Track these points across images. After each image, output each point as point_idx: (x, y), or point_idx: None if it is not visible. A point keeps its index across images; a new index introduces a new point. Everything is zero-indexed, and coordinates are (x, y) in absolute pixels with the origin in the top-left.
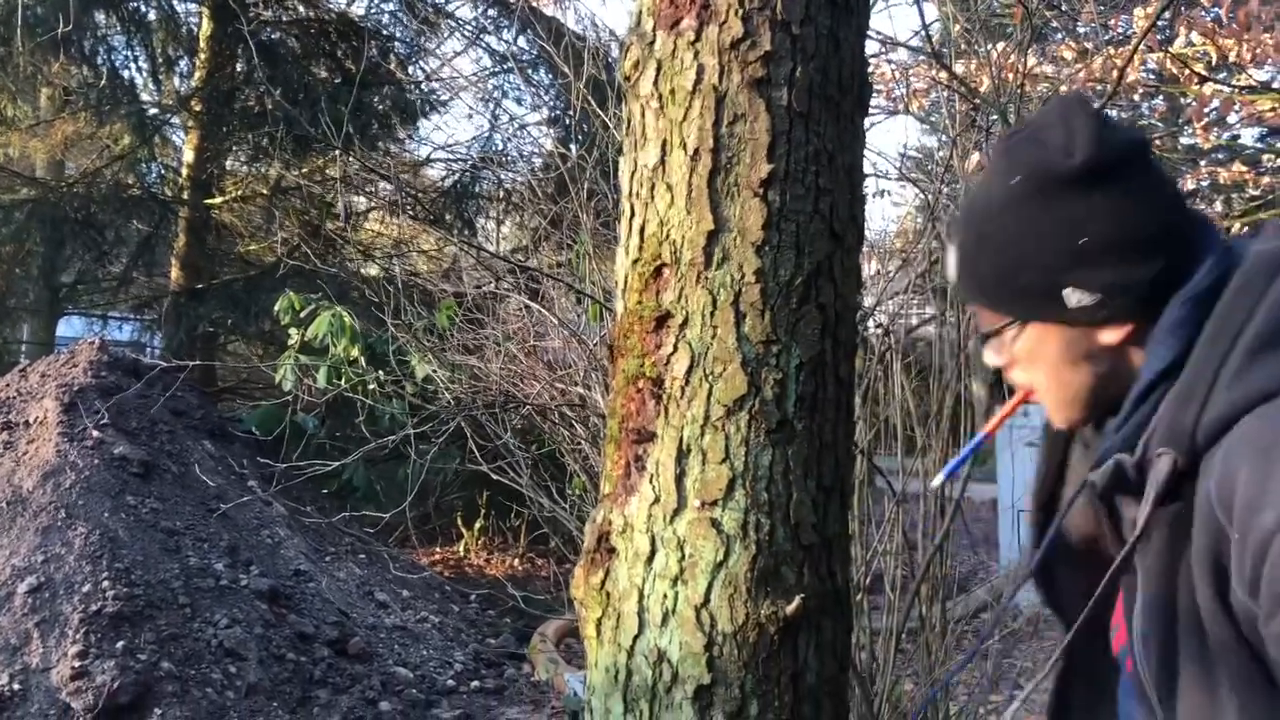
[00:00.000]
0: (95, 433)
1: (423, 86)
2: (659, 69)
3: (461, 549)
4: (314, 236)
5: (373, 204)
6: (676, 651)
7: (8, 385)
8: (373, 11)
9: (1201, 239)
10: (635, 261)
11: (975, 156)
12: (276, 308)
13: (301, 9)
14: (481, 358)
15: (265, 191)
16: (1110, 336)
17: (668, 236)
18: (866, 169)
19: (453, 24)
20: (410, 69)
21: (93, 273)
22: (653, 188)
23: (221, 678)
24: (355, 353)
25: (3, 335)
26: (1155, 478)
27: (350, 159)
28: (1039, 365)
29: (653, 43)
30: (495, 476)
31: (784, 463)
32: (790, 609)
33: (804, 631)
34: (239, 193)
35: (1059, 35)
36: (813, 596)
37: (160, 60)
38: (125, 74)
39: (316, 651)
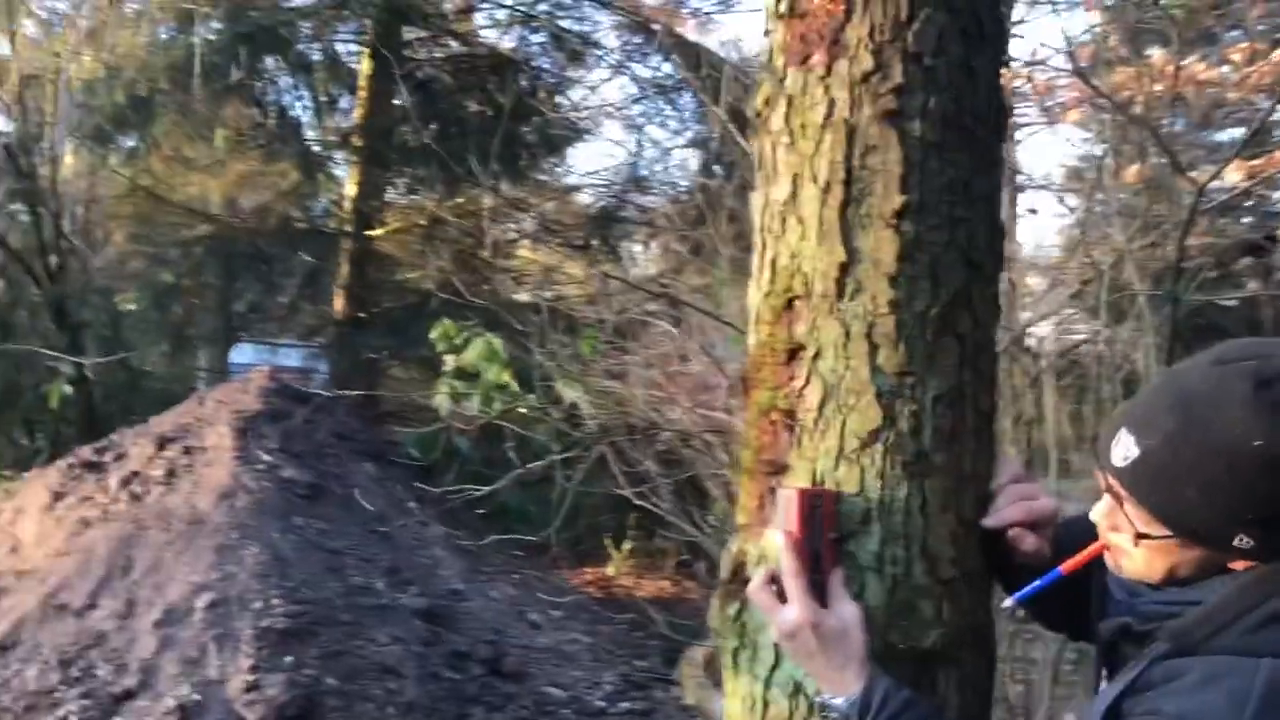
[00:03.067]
0: (265, 457)
1: (570, 116)
2: (790, 104)
3: (611, 570)
4: (467, 265)
5: (520, 233)
6: (813, 684)
7: (186, 412)
8: (522, 45)
9: None
10: (767, 295)
11: (1133, 168)
12: (432, 335)
13: (454, 45)
14: (625, 383)
15: (422, 222)
16: (1238, 564)
17: (799, 269)
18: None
19: (598, 53)
20: (558, 99)
21: (263, 303)
22: (784, 221)
23: (382, 694)
24: (506, 378)
25: (183, 363)
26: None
27: (499, 190)
28: (1145, 546)
29: (783, 79)
30: (637, 501)
31: (921, 496)
32: (927, 643)
33: (943, 666)
34: (398, 224)
35: (1230, 33)
36: (951, 631)
37: (323, 100)
38: (291, 114)
39: (471, 670)
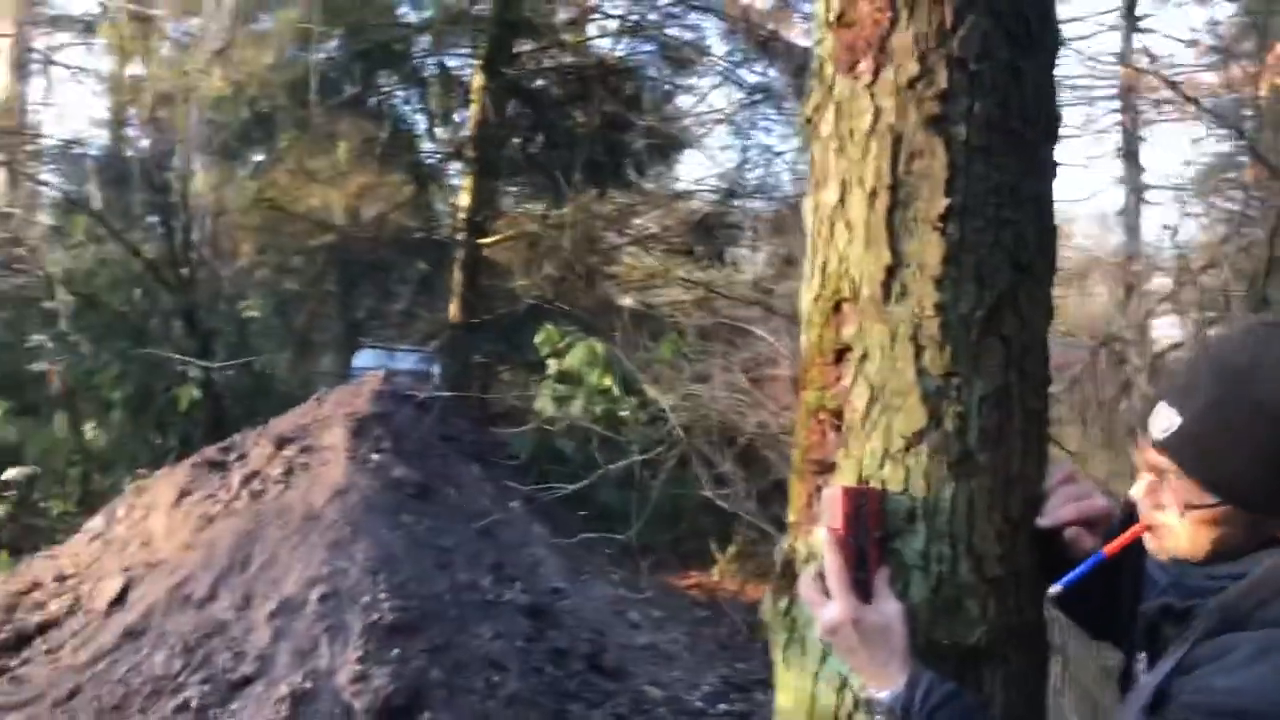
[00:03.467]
0: (376, 456)
1: (676, 123)
2: (838, 111)
3: (716, 573)
4: (574, 272)
5: (627, 239)
6: (858, 679)
7: (305, 414)
8: (630, 54)
9: None
10: (816, 297)
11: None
12: (537, 339)
13: (564, 56)
14: (711, 386)
15: (530, 230)
16: None
17: (847, 273)
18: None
19: (706, 61)
20: (665, 107)
21: (381, 309)
22: (833, 226)
23: (484, 687)
24: (607, 382)
25: (306, 367)
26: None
27: (605, 198)
28: (1188, 520)
29: (832, 86)
30: (719, 503)
31: (966, 495)
32: (971, 640)
33: (988, 664)
34: (508, 232)
35: None
36: (997, 629)
37: (437, 113)
38: (405, 128)
39: (572, 666)
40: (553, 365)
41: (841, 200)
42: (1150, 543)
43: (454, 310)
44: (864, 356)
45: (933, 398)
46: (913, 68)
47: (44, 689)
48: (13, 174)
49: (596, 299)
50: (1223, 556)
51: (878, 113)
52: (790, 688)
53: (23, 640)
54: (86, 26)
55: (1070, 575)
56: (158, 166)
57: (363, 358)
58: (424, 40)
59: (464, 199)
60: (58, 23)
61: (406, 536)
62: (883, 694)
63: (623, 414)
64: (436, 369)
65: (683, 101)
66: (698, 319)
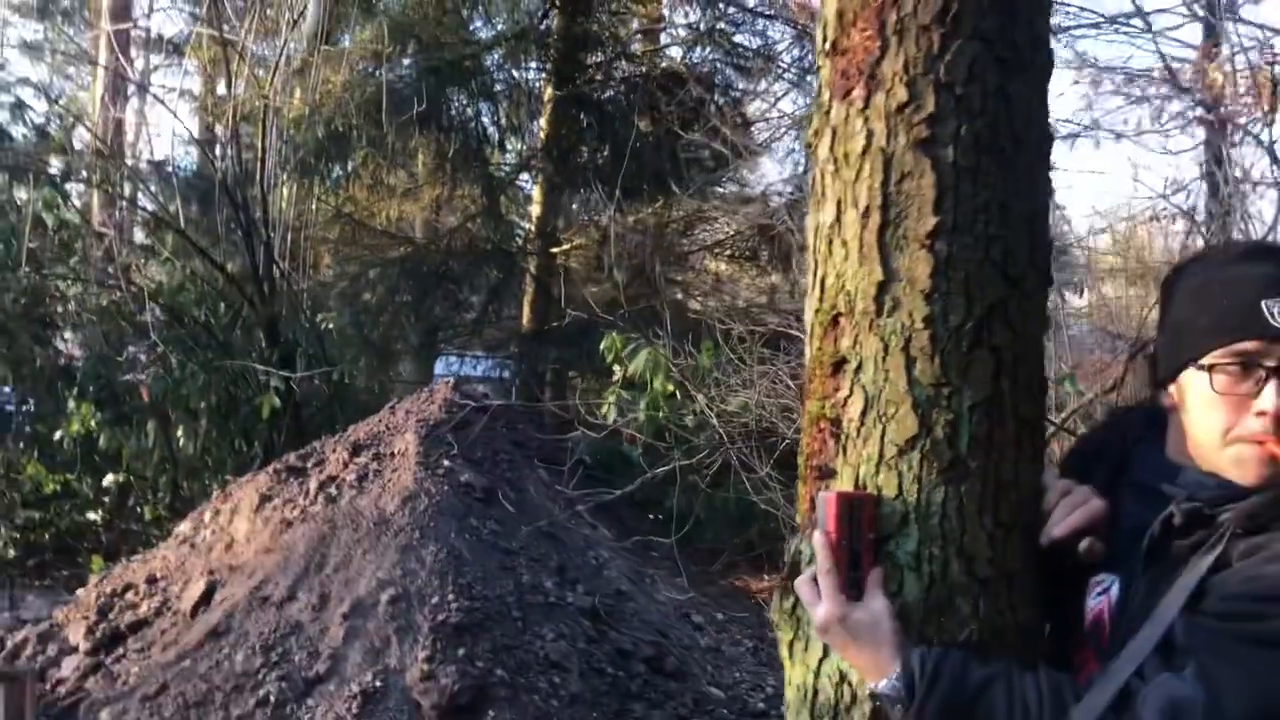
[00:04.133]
0: (446, 462)
1: (746, 130)
2: (834, 135)
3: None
4: (642, 278)
5: (696, 246)
6: (856, 674)
7: (379, 421)
8: (699, 62)
9: None
10: (817, 311)
11: None
12: (602, 346)
13: (632, 66)
14: (756, 391)
15: (600, 239)
16: None
17: (843, 288)
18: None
19: (776, 68)
20: (734, 114)
21: (457, 318)
22: (830, 243)
23: (547, 687)
24: (671, 388)
25: (386, 375)
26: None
27: (673, 206)
28: None
29: (829, 111)
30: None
31: (957, 500)
32: (961, 637)
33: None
34: (578, 241)
35: None
36: (988, 628)
37: (507, 126)
38: (476, 141)
39: (634, 667)
40: (617, 372)
41: (838, 219)
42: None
43: (525, 318)
44: (859, 368)
45: (924, 406)
46: (902, 93)
47: (135, 685)
48: (107, 195)
49: (664, 306)
50: None
51: (870, 136)
52: (795, 683)
53: (116, 639)
54: (176, 48)
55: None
56: (240, 184)
57: (442, 365)
58: (494, 55)
59: (535, 209)
60: (150, 45)
61: (473, 540)
62: (880, 684)
63: (686, 420)
64: (508, 376)
65: (751, 109)
66: (747, 325)
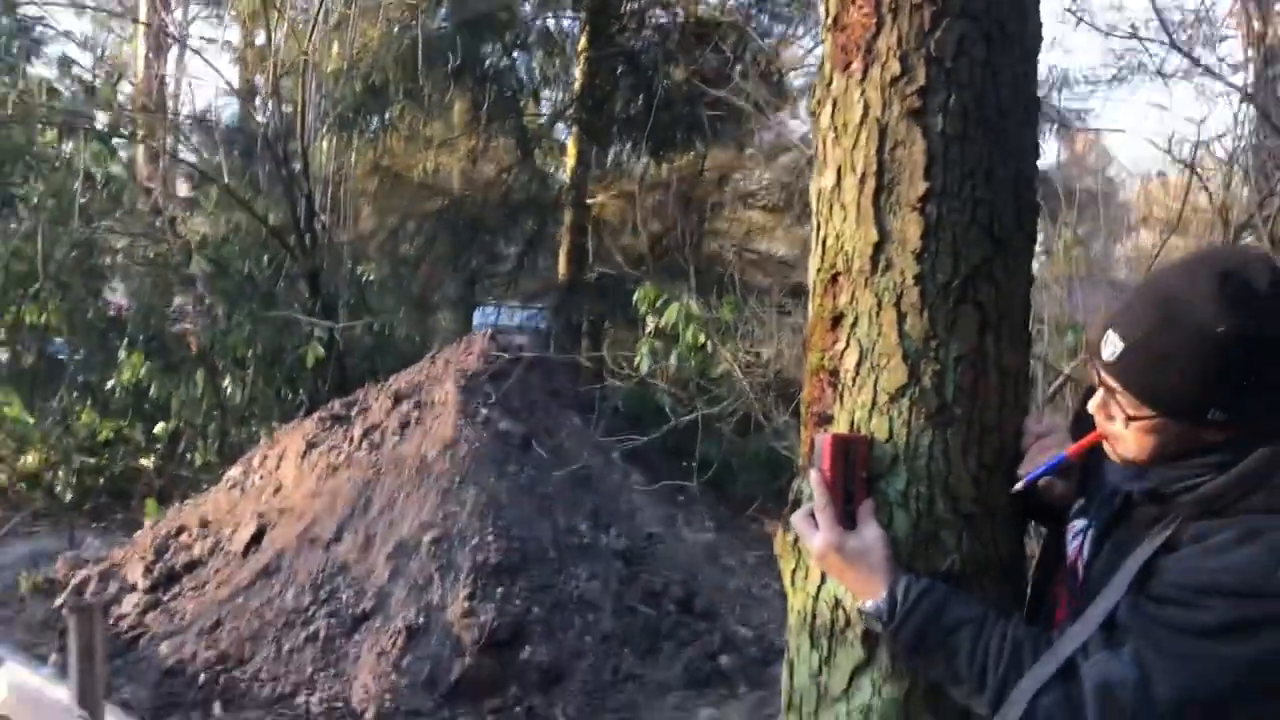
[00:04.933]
0: (484, 411)
1: (781, 78)
2: (834, 105)
3: None
4: (677, 229)
5: (727, 197)
6: (850, 599)
7: (420, 371)
8: (733, 10)
9: None
10: (818, 270)
11: None
12: (635, 298)
13: (666, 14)
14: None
15: (633, 190)
16: (1213, 436)
17: (842, 248)
18: None
19: (810, 13)
20: (768, 63)
21: (496, 269)
22: (831, 207)
23: (581, 624)
24: (701, 339)
25: (426, 325)
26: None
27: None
28: (1133, 429)
29: (830, 83)
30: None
31: (943, 443)
32: (944, 567)
33: (963, 589)
34: (613, 191)
35: None
36: (971, 559)
37: (541, 77)
38: (511, 92)
39: (664, 607)
40: (650, 323)
41: (838, 184)
42: (1107, 448)
43: (562, 269)
44: (855, 322)
45: (913, 358)
46: (895, 66)
47: (191, 620)
48: (151, 150)
49: (698, 257)
50: (1163, 459)
51: (866, 106)
52: (797, 609)
53: (172, 578)
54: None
55: (1034, 473)
56: (281, 138)
57: (481, 315)
58: (528, 6)
59: (570, 160)
60: None
61: (511, 484)
62: (868, 604)
63: (717, 370)
64: (544, 326)
65: (787, 55)
66: (777, 278)
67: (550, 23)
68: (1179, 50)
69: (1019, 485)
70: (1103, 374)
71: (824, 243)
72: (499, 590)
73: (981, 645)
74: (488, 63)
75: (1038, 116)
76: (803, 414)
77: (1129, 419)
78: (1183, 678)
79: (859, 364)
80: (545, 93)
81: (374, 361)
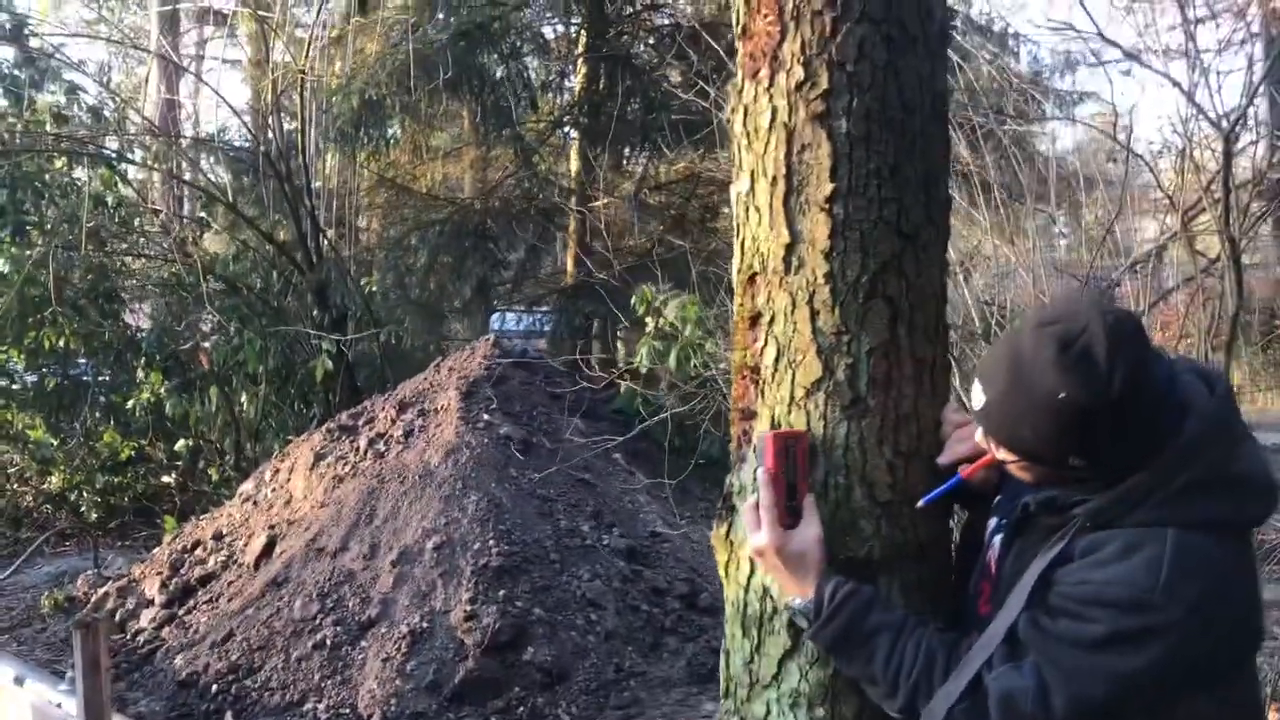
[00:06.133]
0: (486, 416)
1: None
2: (746, 112)
3: None
4: (677, 229)
5: (726, 198)
6: (776, 588)
7: (425, 379)
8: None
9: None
10: (738, 271)
11: None
12: (634, 300)
13: (659, 18)
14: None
15: (633, 191)
16: (1080, 474)
17: (758, 249)
18: None
19: None
20: None
21: (503, 276)
22: (747, 209)
23: (584, 624)
24: (699, 334)
25: (436, 334)
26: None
27: (706, 156)
28: (1010, 465)
29: (741, 90)
30: None
31: (859, 433)
32: (862, 553)
33: (884, 574)
34: (614, 194)
35: None
36: (889, 545)
37: (537, 84)
38: (509, 101)
39: (668, 604)
40: (650, 323)
41: (752, 188)
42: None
43: (569, 272)
44: (772, 320)
45: (826, 353)
46: (799, 72)
47: (205, 633)
48: (163, 172)
49: (701, 255)
50: (1044, 484)
51: (774, 112)
52: (730, 599)
53: (188, 591)
54: (226, 20)
55: (933, 493)
56: (284, 155)
57: (494, 321)
58: (524, 15)
59: (571, 164)
60: (202, 17)
61: (512, 488)
62: (796, 601)
63: (718, 368)
64: (549, 329)
65: None
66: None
67: (547, 30)
68: (1110, 41)
69: (920, 503)
70: (974, 419)
71: (742, 244)
72: (501, 593)
73: (897, 652)
74: (485, 72)
75: (946, 110)
76: (732, 410)
77: (1004, 459)
78: (1076, 688)
79: (777, 360)
80: (544, 100)
81: (384, 372)
